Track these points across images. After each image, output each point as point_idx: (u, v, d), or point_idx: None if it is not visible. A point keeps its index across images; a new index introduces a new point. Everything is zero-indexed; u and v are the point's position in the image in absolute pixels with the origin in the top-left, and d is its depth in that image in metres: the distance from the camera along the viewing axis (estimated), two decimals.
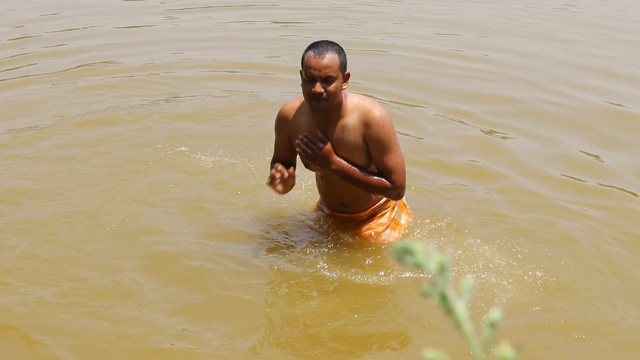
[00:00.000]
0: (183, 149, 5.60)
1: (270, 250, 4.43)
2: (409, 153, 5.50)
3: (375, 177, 4.14)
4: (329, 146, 4.10)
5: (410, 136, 6.09)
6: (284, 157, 4.38)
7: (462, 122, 6.43)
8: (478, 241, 4.45)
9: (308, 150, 4.08)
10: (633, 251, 4.47)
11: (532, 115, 6.63)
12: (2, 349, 3.61)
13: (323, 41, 4.08)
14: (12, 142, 5.73)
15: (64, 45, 8.53)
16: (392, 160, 4.10)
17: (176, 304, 3.94)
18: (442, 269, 0.89)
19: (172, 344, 3.65)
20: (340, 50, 4.05)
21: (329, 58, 3.97)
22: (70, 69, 7.62)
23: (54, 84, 7.08)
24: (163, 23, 9.68)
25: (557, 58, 8.37)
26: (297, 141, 4.13)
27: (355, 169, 4.14)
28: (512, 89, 7.32)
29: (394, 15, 10.17)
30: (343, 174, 4.15)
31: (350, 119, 4.12)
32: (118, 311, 3.86)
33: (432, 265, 0.90)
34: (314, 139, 4.10)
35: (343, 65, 4.03)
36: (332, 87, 3.98)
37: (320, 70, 3.97)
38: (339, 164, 4.13)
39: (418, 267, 0.89)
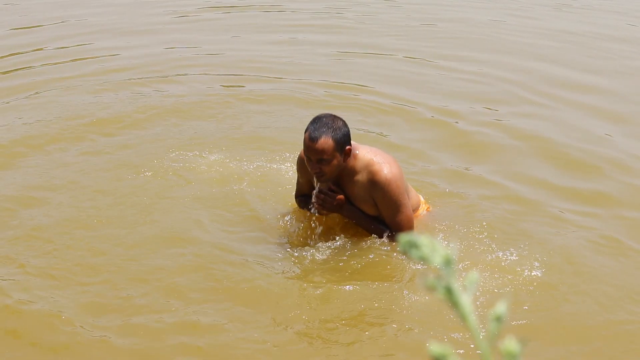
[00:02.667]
0: (196, 152, 5.55)
1: (283, 246, 4.46)
2: (403, 162, 5.47)
3: (382, 229, 4.32)
4: (342, 197, 4.24)
5: (401, 140, 6.03)
6: (307, 191, 4.54)
7: (455, 125, 6.35)
8: (476, 244, 4.44)
9: (324, 203, 4.23)
10: (626, 256, 4.47)
11: (521, 120, 6.54)
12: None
13: (321, 119, 4.10)
14: (23, 148, 5.71)
15: (69, 49, 8.48)
16: (398, 217, 4.26)
17: (196, 295, 4.00)
18: (448, 262, 0.89)
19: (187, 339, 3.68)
20: (337, 129, 4.06)
21: (322, 143, 4.04)
22: (74, 73, 7.56)
23: (61, 90, 7.02)
24: (169, 24, 9.64)
25: (549, 63, 8.23)
26: (313, 198, 4.26)
27: (365, 218, 4.32)
28: (504, 95, 7.19)
29: (390, 18, 10.07)
30: (352, 219, 4.34)
31: (360, 176, 4.23)
32: (142, 302, 3.93)
33: (437, 258, 0.89)
34: (329, 194, 4.23)
35: (339, 145, 4.08)
36: (327, 167, 4.10)
37: (314, 155, 4.08)
38: (349, 213, 4.31)
39: (423, 260, 0.89)
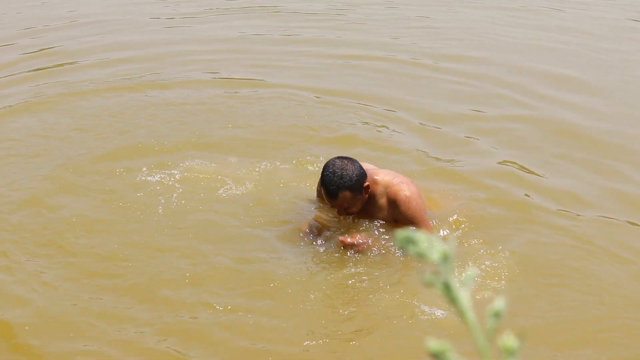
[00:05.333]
0: (207, 161, 5.53)
1: (291, 240, 4.52)
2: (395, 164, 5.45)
3: None
4: (365, 242, 4.31)
5: (391, 144, 5.99)
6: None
7: (441, 130, 6.29)
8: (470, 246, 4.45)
9: (351, 249, 4.30)
10: (613, 259, 4.49)
11: (511, 123, 6.47)
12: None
13: (332, 171, 4.20)
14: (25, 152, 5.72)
15: (75, 60, 8.39)
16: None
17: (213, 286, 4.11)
18: (445, 258, 0.89)
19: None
20: (350, 177, 4.19)
21: (341, 198, 4.22)
22: (79, 82, 7.51)
23: (65, 102, 6.97)
24: (167, 33, 9.58)
25: (540, 69, 8.09)
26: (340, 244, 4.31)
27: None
28: (491, 103, 7.08)
29: (383, 20, 9.98)
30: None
31: (381, 200, 4.38)
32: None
33: (435, 254, 0.89)
34: (350, 244, 4.29)
35: (357, 190, 4.23)
36: (353, 209, 4.30)
37: (337, 206, 4.29)
38: (376, 243, 4.35)
39: (421, 256, 0.89)
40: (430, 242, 0.89)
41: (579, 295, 4.11)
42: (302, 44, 8.74)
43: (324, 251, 4.36)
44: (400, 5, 10.72)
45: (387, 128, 6.30)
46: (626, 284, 4.23)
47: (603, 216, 4.95)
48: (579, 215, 4.94)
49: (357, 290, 4.12)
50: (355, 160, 4.32)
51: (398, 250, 4.29)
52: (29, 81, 7.43)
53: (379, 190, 4.37)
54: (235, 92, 7.13)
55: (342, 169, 4.19)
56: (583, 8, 10.88)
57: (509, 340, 0.88)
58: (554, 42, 9.06)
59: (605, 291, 4.15)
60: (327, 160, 4.33)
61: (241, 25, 9.74)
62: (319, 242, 4.41)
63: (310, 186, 5.05)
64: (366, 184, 4.26)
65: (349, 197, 4.21)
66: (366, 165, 4.54)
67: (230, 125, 6.28)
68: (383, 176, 4.41)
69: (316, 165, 5.33)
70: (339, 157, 4.31)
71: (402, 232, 0.89)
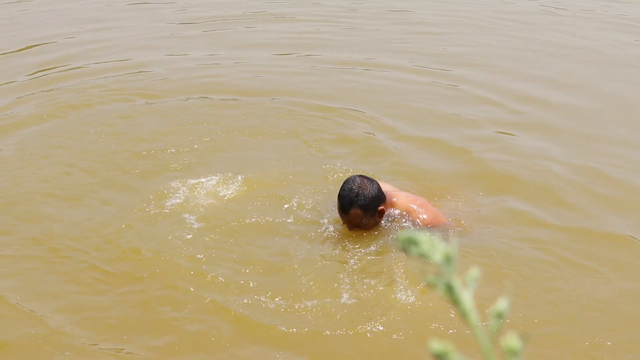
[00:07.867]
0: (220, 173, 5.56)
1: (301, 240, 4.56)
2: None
3: None
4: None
5: (383, 153, 5.97)
6: None
7: (437, 144, 6.24)
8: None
9: None
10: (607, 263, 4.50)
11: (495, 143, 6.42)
12: None
13: (350, 187, 4.28)
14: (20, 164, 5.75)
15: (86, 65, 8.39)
16: None
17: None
18: (448, 259, 0.88)
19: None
20: (365, 196, 4.25)
21: (352, 214, 4.29)
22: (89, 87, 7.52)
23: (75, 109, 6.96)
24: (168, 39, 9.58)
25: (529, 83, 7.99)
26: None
27: None
28: (481, 112, 7.03)
29: (376, 32, 9.95)
30: None
31: (400, 224, 4.41)
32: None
33: (437, 255, 0.89)
34: None
35: (370, 211, 4.29)
36: (363, 228, 4.36)
37: (347, 222, 4.35)
38: None
39: (423, 257, 0.88)
40: (432, 243, 0.89)
41: (557, 307, 4.11)
42: (299, 52, 8.75)
43: (335, 248, 4.39)
44: (394, 13, 10.71)
45: (373, 139, 6.29)
46: (604, 298, 4.22)
47: (584, 228, 4.93)
48: (558, 226, 4.92)
49: (365, 284, 4.14)
50: (376, 181, 4.38)
51: (400, 251, 4.31)
52: (35, 97, 7.40)
53: (397, 214, 4.42)
54: (235, 102, 7.14)
55: (360, 187, 4.27)
56: (581, 15, 10.84)
57: (512, 341, 0.88)
58: (546, 53, 9.02)
59: (583, 306, 4.14)
60: (349, 176, 4.44)
61: (241, 33, 9.77)
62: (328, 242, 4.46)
63: (313, 191, 5.09)
64: (381, 207, 4.30)
65: (359, 215, 4.27)
66: (385, 187, 4.55)
67: (230, 133, 6.30)
68: (401, 200, 4.45)
69: (314, 174, 5.41)
70: (360, 175, 4.39)
71: (404, 233, 0.89)
